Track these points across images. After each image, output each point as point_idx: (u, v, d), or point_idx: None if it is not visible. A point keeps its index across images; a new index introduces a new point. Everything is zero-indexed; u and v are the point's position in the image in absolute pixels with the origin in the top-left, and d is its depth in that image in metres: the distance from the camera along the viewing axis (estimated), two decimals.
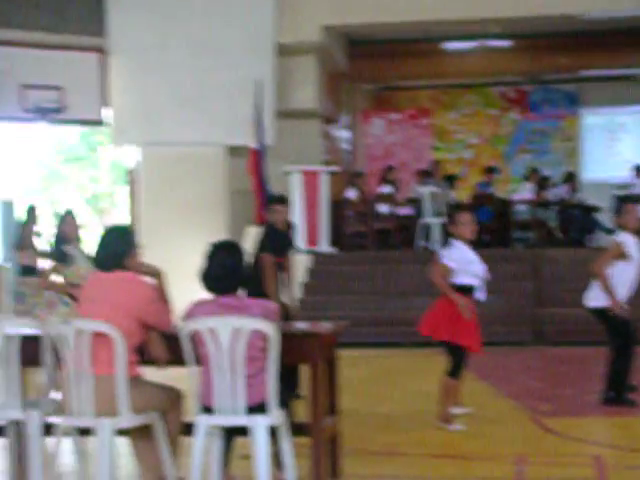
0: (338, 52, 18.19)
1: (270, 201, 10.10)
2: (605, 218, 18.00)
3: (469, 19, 16.79)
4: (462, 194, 18.21)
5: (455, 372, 7.77)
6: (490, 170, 18.31)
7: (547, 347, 13.79)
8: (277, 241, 9.36)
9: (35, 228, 13.51)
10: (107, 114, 16.59)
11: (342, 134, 19.76)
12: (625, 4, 16.27)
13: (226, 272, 5.36)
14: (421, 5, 16.32)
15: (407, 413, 8.71)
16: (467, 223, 7.90)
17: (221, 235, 13.92)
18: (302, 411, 6.16)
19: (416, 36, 18.55)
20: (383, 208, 17.20)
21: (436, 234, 16.48)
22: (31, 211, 14.02)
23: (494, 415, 8.47)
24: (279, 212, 9.54)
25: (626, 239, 8.58)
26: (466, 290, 7.73)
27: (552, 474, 6.34)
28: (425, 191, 16.92)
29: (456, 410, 7.98)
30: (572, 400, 9.26)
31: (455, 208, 8.92)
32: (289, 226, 9.85)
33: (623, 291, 8.56)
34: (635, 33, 17.93)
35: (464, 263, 7.76)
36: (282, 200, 9.71)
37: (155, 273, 5.63)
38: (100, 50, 16.26)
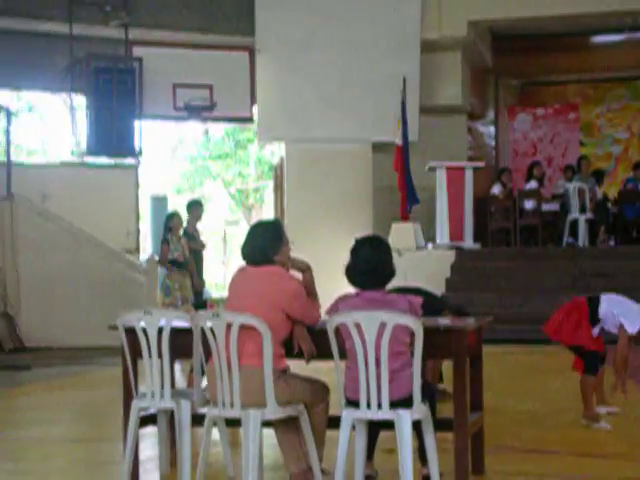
0: (483, 47, 18.10)
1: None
2: None
3: (617, 11, 16.48)
4: (610, 190, 17.88)
5: (590, 369, 7.69)
6: (638, 165, 17.90)
7: None
8: None
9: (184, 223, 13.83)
10: (252, 112, 16.91)
11: (487, 130, 19.64)
12: None
13: (371, 267, 5.43)
14: None
15: (550, 410, 8.64)
16: None
17: (366, 230, 14.03)
18: (446, 408, 6.20)
19: (562, 30, 18.31)
20: (528, 204, 17.04)
21: (582, 230, 16.25)
22: (192, 206, 14.27)
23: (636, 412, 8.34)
24: None
25: None
26: None
27: None
28: (571, 187, 16.68)
29: (602, 409, 7.89)
30: None
31: None
32: None
33: None
34: None
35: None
36: None
37: (303, 268, 5.74)
38: (249, 49, 16.59)
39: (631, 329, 7.54)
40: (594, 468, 6.51)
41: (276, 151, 17.51)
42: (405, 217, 15.80)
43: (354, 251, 5.52)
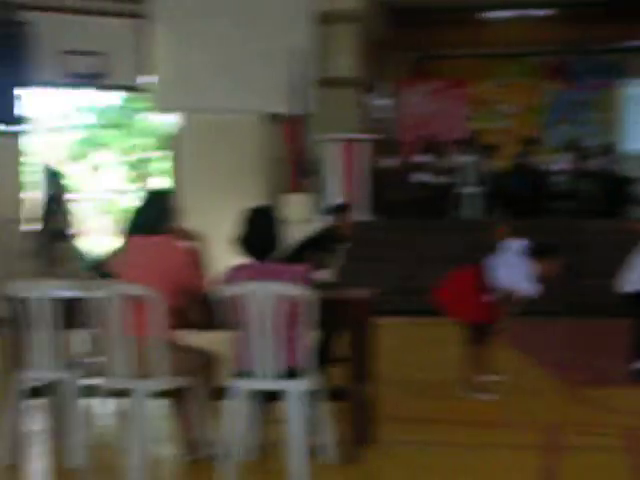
0: (378, 20, 18.13)
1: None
2: None
3: None
4: (500, 164, 18.14)
5: (473, 340, 7.83)
6: (529, 141, 18.21)
7: (581, 318, 13.76)
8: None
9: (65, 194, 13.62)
10: (145, 80, 16.66)
11: (381, 103, 19.72)
12: None
13: (263, 237, 5.42)
14: None
15: (441, 381, 8.75)
16: None
17: (259, 201, 13.96)
18: (337, 377, 6.22)
19: (456, 5, 18.46)
20: (422, 177, 17.19)
21: (473, 203, 16.47)
22: (58, 176, 14.09)
23: (527, 384, 8.50)
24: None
25: None
26: None
27: (583, 443, 6.37)
28: (464, 160, 16.88)
29: (487, 378, 8.01)
30: (608, 370, 9.26)
31: None
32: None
33: None
34: None
35: None
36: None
37: (195, 237, 5.70)
38: (143, 16, 16.31)
39: (524, 292, 7.72)
40: (481, 436, 6.63)
41: (172, 121, 17.29)
42: (298, 189, 15.79)
43: (245, 221, 5.49)
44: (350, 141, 16.18)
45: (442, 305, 7.98)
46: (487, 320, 7.84)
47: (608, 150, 18.21)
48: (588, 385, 8.46)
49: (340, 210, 9.60)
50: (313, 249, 9.06)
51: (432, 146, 17.89)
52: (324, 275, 9.21)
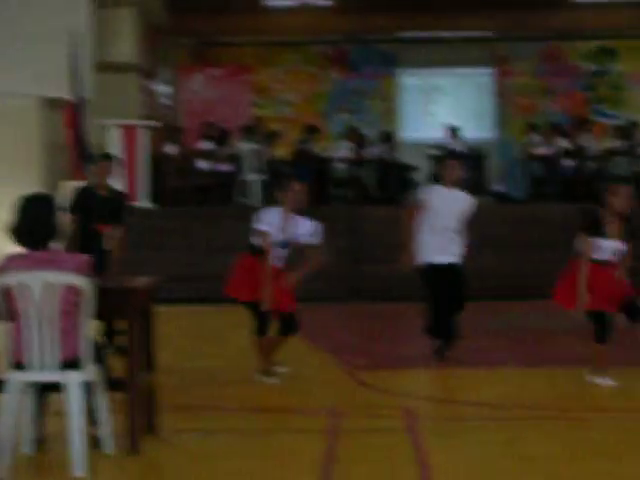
0: (157, 5, 17.90)
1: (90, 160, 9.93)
2: (421, 177, 18.44)
3: None
4: (282, 151, 18.27)
5: (258, 330, 7.86)
6: (310, 128, 18.41)
7: (363, 303, 14.05)
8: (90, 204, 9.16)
9: None
10: None
11: (162, 89, 19.49)
12: None
13: (38, 225, 5.23)
14: None
15: (225, 368, 8.73)
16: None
17: (34, 189, 13.53)
18: (119, 367, 6.09)
19: None
20: (203, 164, 17.10)
21: (256, 191, 16.51)
22: None
23: (310, 370, 8.58)
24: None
25: (435, 191, 8.81)
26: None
27: (365, 426, 6.48)
28: (245, 148, 16.90)
29: (271, 363, 8.04)
30: (387, 354, 9.48)
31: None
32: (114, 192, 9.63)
33: (436, 242, 8.72)
34: None
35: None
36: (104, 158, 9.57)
37: None
38: None
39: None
40: (265, 422, 6.66)
41: None
42: (79, 176, 15.37)
43: (19, 210, 5.28)
44: (131, 127, 15.90)
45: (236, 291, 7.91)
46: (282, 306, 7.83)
47: (386, 138, 18.64)
48: (368, 369, 8.62)
49: (97, 160, 9.47)
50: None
51: (215, 133, 17.81)
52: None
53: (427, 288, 8.88)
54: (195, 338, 11.00)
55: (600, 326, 7.67)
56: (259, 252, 7.81)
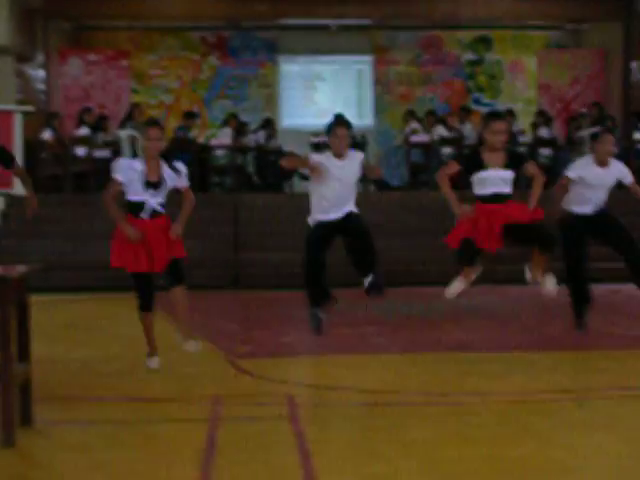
0: None
1: None
2: None
3: None
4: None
5: (141, 304, 7.71)
6: (189, 115, 18.23)
7: (245, 291, 14.00)
8: None
9: None
10: None
11: (37, 73, 19.03)
12: None
13: None
14: None
15: (103, 357, 8.56)
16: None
17: None
18: None
19: None
20: (80, 150, 16.78)
21: None
22: None
23: (191, 358, 8.47)
24: None
25: (319, 158, 8.88)
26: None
27: (246, 414, 6.42)
28: (123, 134, 16.63)
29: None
30: (268, 341, 9.44)
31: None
32: None
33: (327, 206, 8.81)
34: None
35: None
36: None
37: None
38: None
39: None
40: (145, 412, 6.53)
41: None
42: None
43: None
44: (6, 113, 15.50)
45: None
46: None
47: (266, 125, 18.58)
48: (249, 357, 8.57)
49: None
50: None
51: (93, 119, 17.50)
52: None
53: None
54: (71, 327, 10.77)
55: (463, 250, 8.24)
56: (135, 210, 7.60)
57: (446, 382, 7.36)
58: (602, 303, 10.63)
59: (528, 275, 8.46)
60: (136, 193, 7.55)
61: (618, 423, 6.04)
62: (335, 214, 8.84)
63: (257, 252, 14.92)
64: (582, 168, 8.96)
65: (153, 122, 8.04)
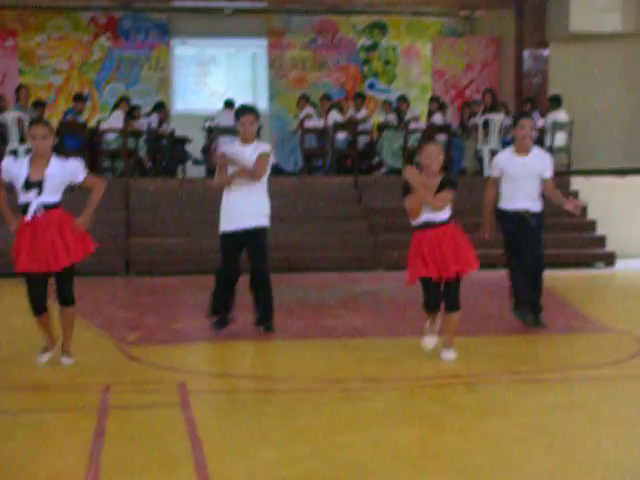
0: None
1: None
2: (194, 149, 18.25)
3: None
4: (51, 121, 17.66)
5: (32, 309, 7.44)
6: (79, 98, 17.85)
7: (136, 277, 13.81)
8: None
9: None
10: None
11: None
12: None
13: None
14: None
15: None
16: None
17: None
18: None
19: None
20: None
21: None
22: None
23: (80, 345, 8.27)
24: None
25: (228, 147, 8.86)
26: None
27: (136, 401, 6.31)
28: (10, 117, 16.21)
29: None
30: (159, 328, 9.29)
31: None
32: None
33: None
34: None
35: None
36: None
37: None
38: None
39: None
40: (32, 401, 6.38)
41: None
42: None
43: None
44: None
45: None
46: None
47: (158, 109, 18.32)
48: (141, 344, 8.42)
49: None
50: None
51: None
52: None
53: None
54: None
55: (425, 292, 7.60)
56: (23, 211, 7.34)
57: (339, 368, 7.33)
58: (498, 287, 10.77)
59: (428, 340, 7.66)
60: (20, 194, 7.29)
61: (509, 408, 6.09)
62: (240, 222, 8.60)
63: (149, 238, 14.70)
64: (503, 162, 8.86)
65: (37, 120, 7.66)
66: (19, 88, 17.49)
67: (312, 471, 4.83)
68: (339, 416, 5.88)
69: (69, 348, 7.50)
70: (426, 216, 7.50)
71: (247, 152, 8.62)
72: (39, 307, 7.37)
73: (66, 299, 7.40)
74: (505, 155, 8.98)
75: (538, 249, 8.83)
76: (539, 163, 8.84)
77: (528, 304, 8.87)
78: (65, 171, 7.37)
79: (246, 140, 8.69)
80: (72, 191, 7.61)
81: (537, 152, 8.97)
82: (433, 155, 7.51)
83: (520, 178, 8.76)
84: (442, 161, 7.55)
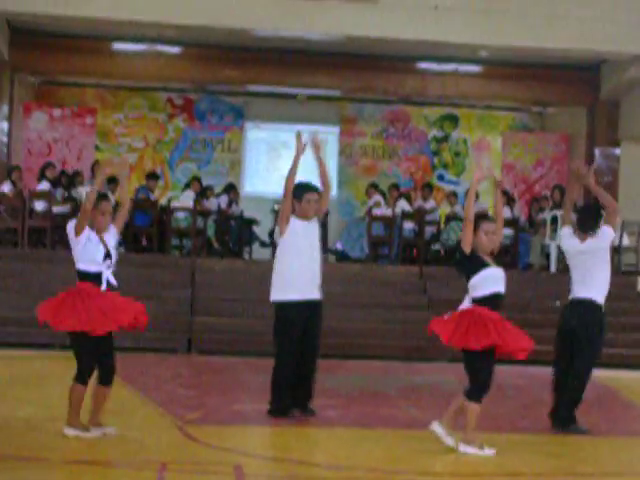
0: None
1: None
2: (262, 231, 18.38)
3: (141, 21, 16.65)
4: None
5: (78, 374, 7.41)
6: (152, 176, 18.17)
7: (199, 355, 13.83)
8: None
9: None
10: None
11: (2, 125, 18.90)
12: (296, 25, 16.78)
13: None
14: (92, 0, 16.04)
15: (49, 417, 8.34)
16: None
17: None
18: None
19: (85, 32, 18.12)
20: (39, 205, 16.63)
21: None
22: None
23: (139, 422, 8.31)
24: None
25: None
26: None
27: None
28: (84, 191, 16.50)
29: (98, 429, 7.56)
30: (219, 409, 9.27)
31: None
32: None
33: None
34: (302, 53, 18.53)
35: None
36: None
37: None
38: None
39: None
40: (88, 475, 6.36)
41: None
42: None
43: None
44: None
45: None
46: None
47: (228, 190, 18.54)
48: (199, 423, 8.40)
49: None
50: None
51: (54, 175, 17.41)
52: None
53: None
54: (17, 385, 10.51)
55: (488, 369, 7.33)
56: (86, 277, 7.43)
57: (397, 460, 7.23)
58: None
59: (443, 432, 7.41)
60: (89, 264, 7.39)
61: None
62: (310, 292, 8.56)
63: (212, 317, 14.76)
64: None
65: (105, 195, 7.84)
66: (95, 164, 17.84)
67: None
68: None
69: (99, 420, 7.49)
70: (496, 288, 7.40)
71: (310, 226, 8.64)
72: (86, 376, 7.37)
73: (111, 377, 7.45)
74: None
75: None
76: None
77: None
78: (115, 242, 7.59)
79: (307, 218, 8.69)
80: None
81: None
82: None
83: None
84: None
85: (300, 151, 8.69)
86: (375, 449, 7.62)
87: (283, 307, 8.55)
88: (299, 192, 8.70)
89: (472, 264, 7.45)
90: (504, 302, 7.50)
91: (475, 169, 7.85)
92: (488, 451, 7.26)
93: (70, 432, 7.34)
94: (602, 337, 8.51)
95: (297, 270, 8.49)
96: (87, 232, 7.41)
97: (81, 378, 7.38)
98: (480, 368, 7.31)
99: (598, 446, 8.32)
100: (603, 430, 8.75)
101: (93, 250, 7.39)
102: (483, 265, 7.43)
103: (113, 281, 7.45)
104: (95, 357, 7.39)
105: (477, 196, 18.11)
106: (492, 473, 6.88)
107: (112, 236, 7.56)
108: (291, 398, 8.60)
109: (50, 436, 7.50)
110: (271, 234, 18.00)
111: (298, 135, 8.75)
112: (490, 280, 7.40)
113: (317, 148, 8.69)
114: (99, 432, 7.40)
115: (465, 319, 7.36)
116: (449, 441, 7.33)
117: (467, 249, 7.44)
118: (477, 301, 7.39)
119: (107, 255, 7.43)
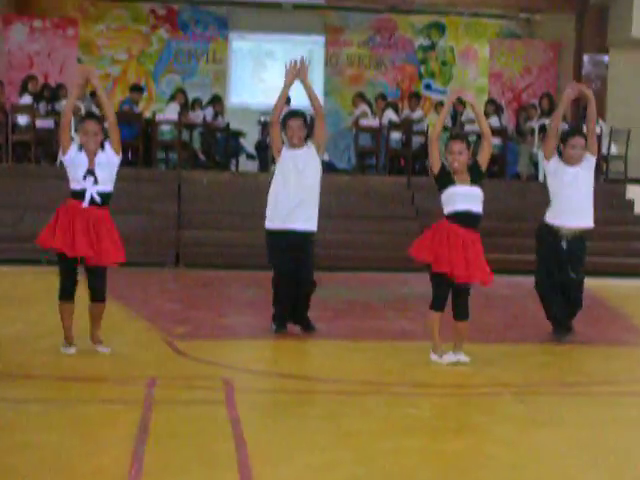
0: None
1: None
2: (249, 143, 18.24)
3: None
4: None
5: (61, 292, 7.49)
6: (136, 88, 17.93)
7: (187, 269, 13.80)
8: None
9: None
10: None
11: None
12: None
13: None
14: None
15: (37, 334, 8.31)
16: None
17: None
18: None
19: None
20: (22, 119, 16.41)
21: None
22: None
23: (127, 337, 8.28)
24: None
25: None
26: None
27: (181, 397, 6.28)
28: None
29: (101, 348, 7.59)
30: (207, 323, 9.26)
31: None
32: None
33: None
34: None
35: None
36: None
37: None
38: None
39: None
40: (77, 391, 6.36)
41: None
42: None
43: None
44: None
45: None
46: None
47: (214, 102, 18.33)
48: (188, 338, 8.39)
49: None
50: None
51: (37, 88, 17.16)
52: None
53: None
54: (4, 301, 10.47)
55: (439, 290, 7.50)
56: (73, 195, 7.43)
57: (386, 372, 7.24)
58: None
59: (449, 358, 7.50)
60: (75, 182, 7.40)
61: (559, 420, 5.97)
62: (292, 222, 8.41)
63: (199, 230, 14.71)
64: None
65: (90, 115, 7.79)
66: None
67: (356, 477, 4.76)
68: (385, 421, 5.81)
69: (101, 337, 7.53)
70: (466, 205, 7.40)
71: (300, 154, 8.50)
72: (71, 293, 7.44)
73: (100, 296, 7.48)
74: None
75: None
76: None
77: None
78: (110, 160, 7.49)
79: (294, 145, 8.53)
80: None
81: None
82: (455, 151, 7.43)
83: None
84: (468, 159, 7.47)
85: (288, 85, 8.53)
86: (365, 361, 7.63)
87: (267, 234, 8.52)
88: (283, 120, 8.55)
89: (441, 181, 7.52)
90: (479, 218, 7.47)
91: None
92: (446, 358, 7.40)
93: (61, 349, 7.45)
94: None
95: (281, 199, 8.40)
96: (74, 151, 7.45)
97: (60, 295, 7.48)
98: (432, 280, 7.55)
99: (588, 356, 8.35)
100: (592, 339, 8.79)
101: (76, 168, 7.42)
102: (450, 182, 7.46)
103: (97, 198, 7.40)
104: (70, 275, 7.43)
105: (464, 106, 17.97)
106: (482, 384, 6.91)
107: (108, 155, 7.49)
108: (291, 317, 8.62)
109: (38, 353, 7.49)
110: (257, 146, 17.87)
111: (289, 70, 8.54)
112: (456, 197, 7.40)
113: (304, 75, 8.51)
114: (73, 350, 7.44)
115: (430, 233, 7.49)
116: (462, 358, 7.45)
117: (435, 169, 7.54)
118: (447, 217, 7.44)
119: (90, 172, 7.38)
